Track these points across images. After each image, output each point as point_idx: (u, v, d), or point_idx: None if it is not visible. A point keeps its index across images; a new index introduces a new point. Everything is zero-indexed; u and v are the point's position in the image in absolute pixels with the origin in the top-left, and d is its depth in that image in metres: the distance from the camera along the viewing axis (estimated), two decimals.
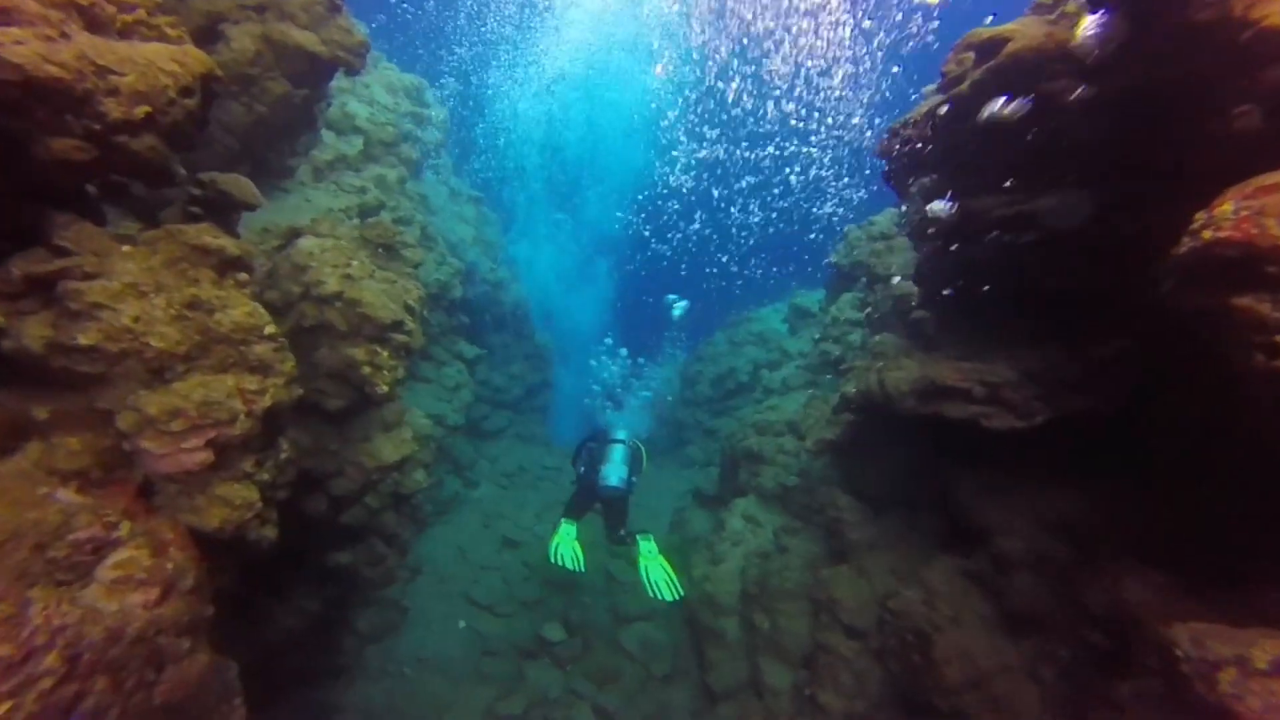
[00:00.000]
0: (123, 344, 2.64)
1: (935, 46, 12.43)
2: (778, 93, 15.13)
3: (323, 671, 7.64)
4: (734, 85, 15.51)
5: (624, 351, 14.02)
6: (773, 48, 14.08)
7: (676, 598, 7.22)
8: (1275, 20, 2.66)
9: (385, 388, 4.90)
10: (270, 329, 3.14)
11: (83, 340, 2.58)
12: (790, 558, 7.81)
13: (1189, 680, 2.68)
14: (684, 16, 15.18)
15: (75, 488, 2.34)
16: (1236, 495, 3.41)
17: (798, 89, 14.75)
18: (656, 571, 7.29)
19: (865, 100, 13.89)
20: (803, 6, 13.22)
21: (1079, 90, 3.51)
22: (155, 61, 2.80)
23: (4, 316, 2.58)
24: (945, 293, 4.99)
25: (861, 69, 13.43)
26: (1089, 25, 3.23)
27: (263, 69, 5.19)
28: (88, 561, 2.09)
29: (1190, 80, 3.12)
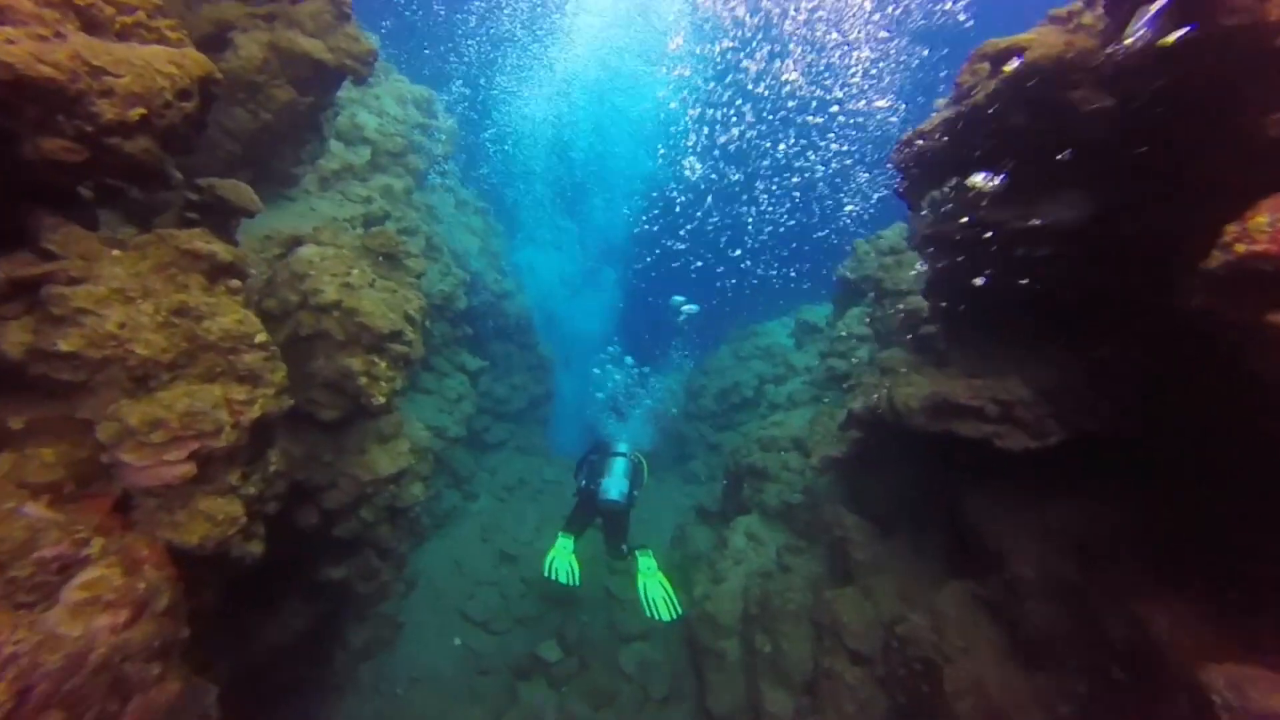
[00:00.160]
0: (106, 351, 2.55)
1: (969, 25, 11.94)
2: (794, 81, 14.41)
3: (313, 688, 7.48)
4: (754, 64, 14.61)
5: (629, 360, 13.81)
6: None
7: (675, 617, 7.07)
8: None
9: (382, 399, 4.80)
10: (261, 337, 3.04)
11: (64, 346, 2.49)
12: (793, 578, 7.63)
13: None
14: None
15: (46, 502, 2.24)
16: (1263, 511, 3.27)
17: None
18: (655, 589, 7.16)
19: (889, 83, 13.13)
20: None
21: (1101, 102, 3.40)
22: (152, 63, 2.74)
23: None
24: (975, 283, 4.85)
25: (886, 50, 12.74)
26: (1137, 27, 3.10)
27: (269, 76, 5.15)
28: (53, 582, 1.98)
29: (1214, 87, 3.01)
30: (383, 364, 4.86)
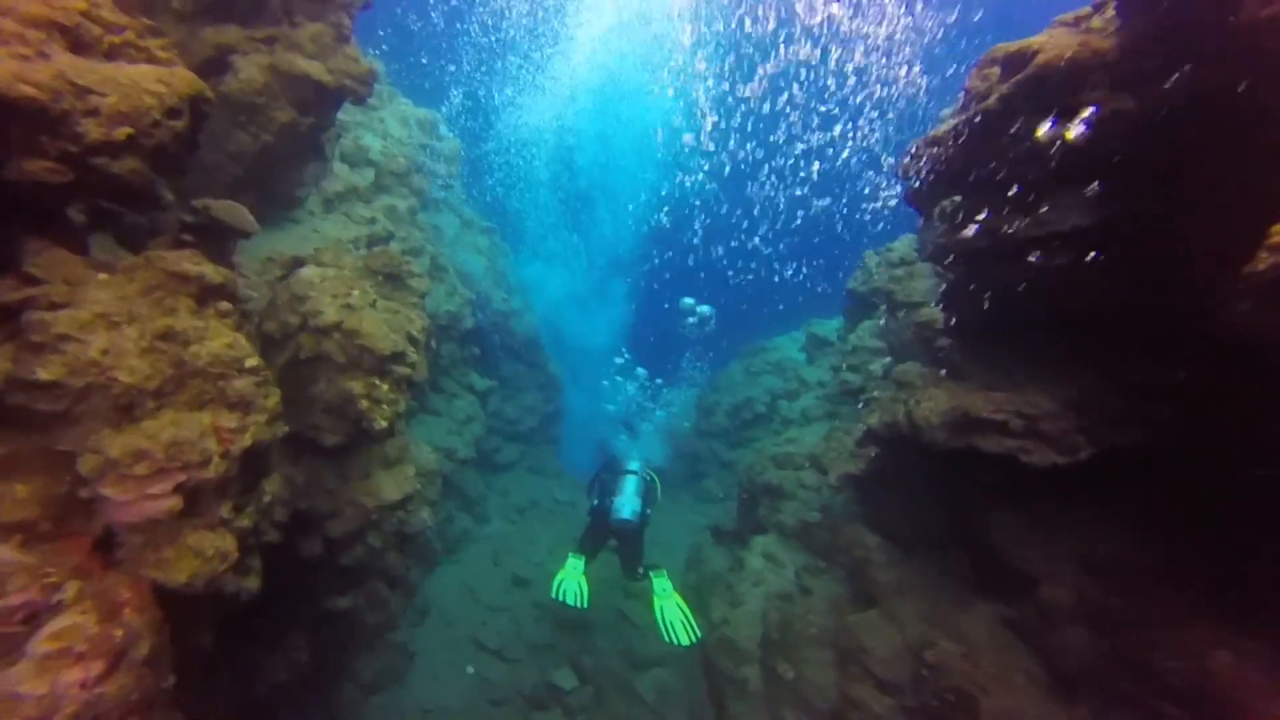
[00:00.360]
0: (88, 378, 2.43)
1: None
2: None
3: None
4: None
5: (641, 371, 13.48)
6: None
7: (694, 641, 6.83)
8: None
9: (384, 422, 4.66)
10: (252, 361, 2.91)
11: (43, 375, 2.36)
12: (814, 600, 7.36)
13: None
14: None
15: (18, 542, 2.10)
16: None
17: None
18: (672, 612, 6.95)
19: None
20: None
21: (1119, 103, 3.23)
22: (140, 82, 2.65)
23: None
24: (986, 296, 4.63)
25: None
26: None
27: (269, 98, 5.11)
28: (17, 634, 1.83)
29: (1240, 88, 2.84)
30: (385, 386, 4.73)
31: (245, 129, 5.14)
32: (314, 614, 6.34)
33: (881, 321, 10.36)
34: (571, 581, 6.95)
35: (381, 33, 14.80)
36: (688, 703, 7.92)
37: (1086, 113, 3.46)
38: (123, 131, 2.55)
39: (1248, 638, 3.00)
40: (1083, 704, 4.01)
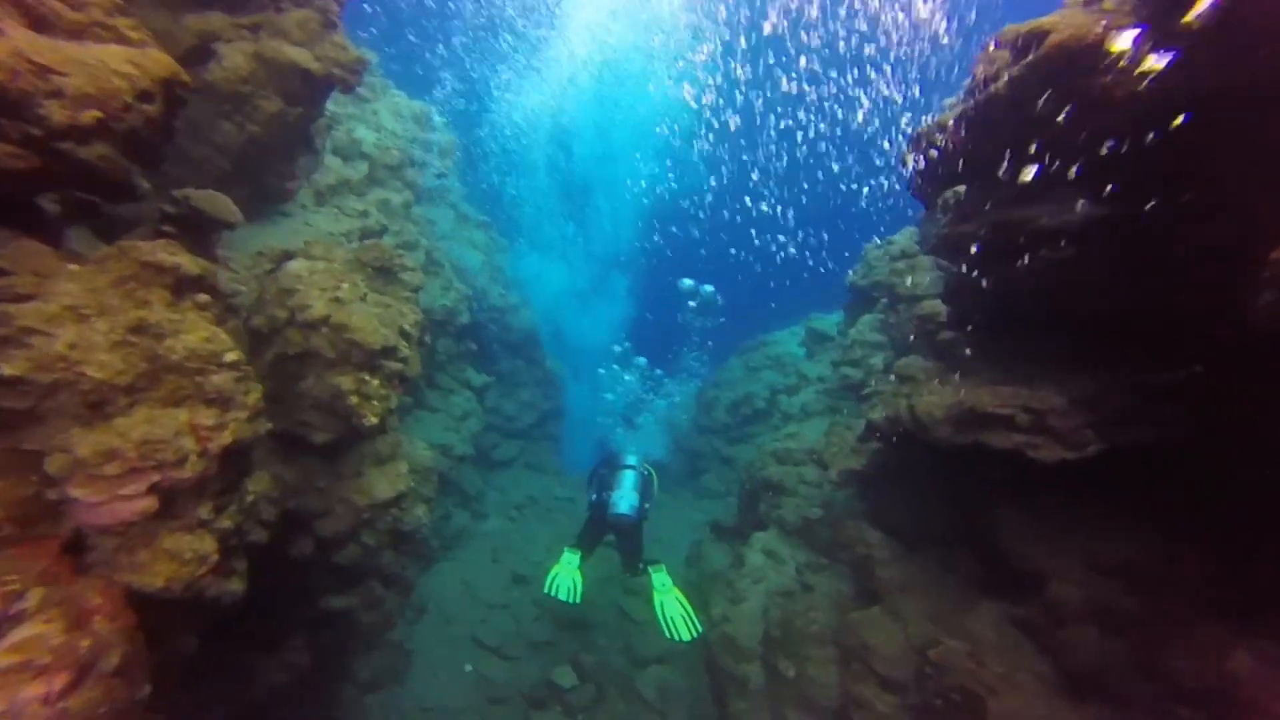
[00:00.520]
0: (55, 374, 2.31)
1: None
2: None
3: None
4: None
5: (642, 360, 13.11)
6: None
7: (695, 635, 6.75)
8: None
9: (374, 419, 4.54)
10: (232, 356, 2.79)
11: (7, 370, 2.25)
12: (815, 597, 7.26)
13: None
14: None
15: None
16: None
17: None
18: (672, 607, 6.87)
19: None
20: None
21: (1134, 85, 3.09)
22: (107, 63, 2.52)
23: None
24: (983, 285, 4.44)
25: None
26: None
27: (255, 87, 4.97)
28: None
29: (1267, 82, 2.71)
30: (375, 382, 4.61)
31: (231, 119, 5.00)
32: (309, 614, 6.24)
33: (882, 315, 10.26)
34: (566, 576, 6.86)
35: (369, 9, 14.32)
36: (689, 701, 7.84)
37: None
38: (90, 115, 2.43)
39: (1262, 638, 2.89)
40: (1092, 705, 3.91)
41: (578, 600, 6.80)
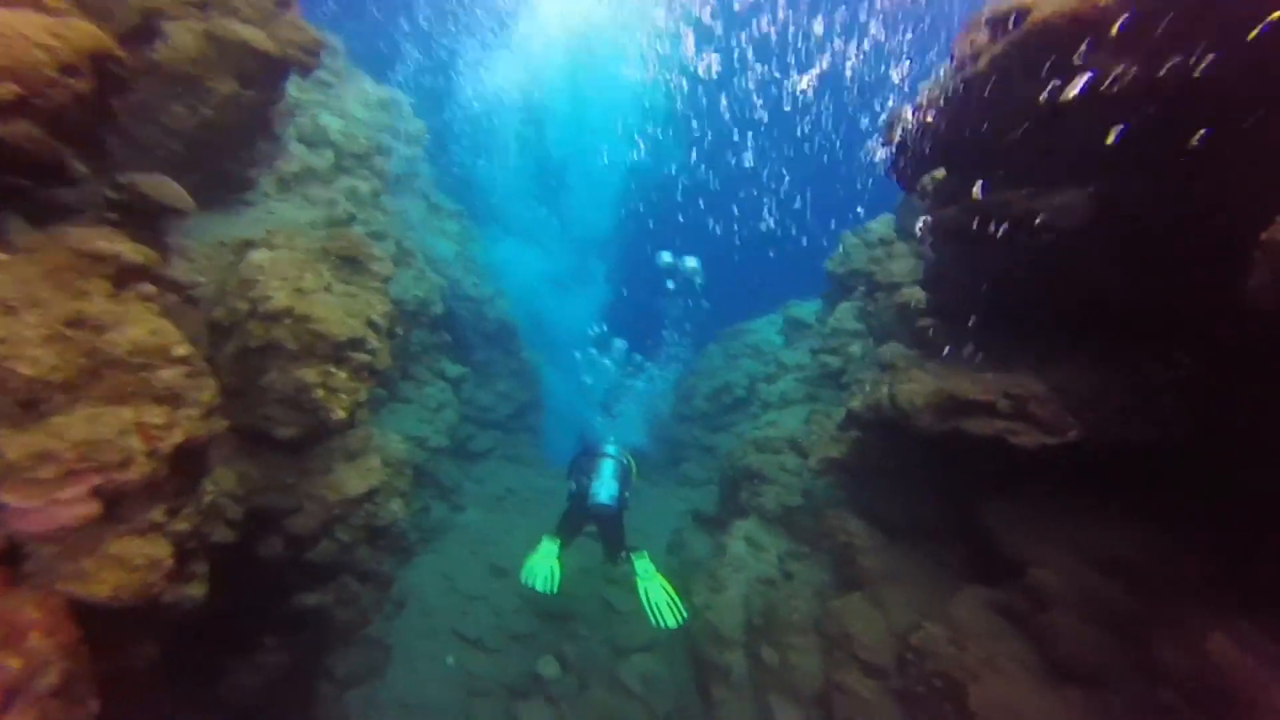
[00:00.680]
0: None
1: None
2: None
3: None
4: None
5: (620, 343, 12.68)
6: None
7: (681, 621, 6.72)
8: None
9: (342, 413, 4.38)
10: (181, 350, 2.62)
11: None
12: (797, 585, 7.27)
13: None
14: None
15: None
16: None
17: None
18: (657, 593, 6.84)
19: None
20: None
21: (1124, 66, 3.03)
22: (23, 32, 2.32)
23: None
24: (972, 274, 4.35)
25: None
26: None
27: (206, 68, 4.72)
28: None
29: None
30: (342, 375, 4.43)
31: (182, 101, 4.75)
32: (282, 613, 6.08)
33: (861, 303, 10.26)
34: (543, 566, 6.77)
35: None
36: (672, 689, 7.83)
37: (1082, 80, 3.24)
38: (8, 90, 2.23)
39: (1248, 627, 2.91)
40: (1074, 691, 3.93)
41: (554, 590, 6.73)
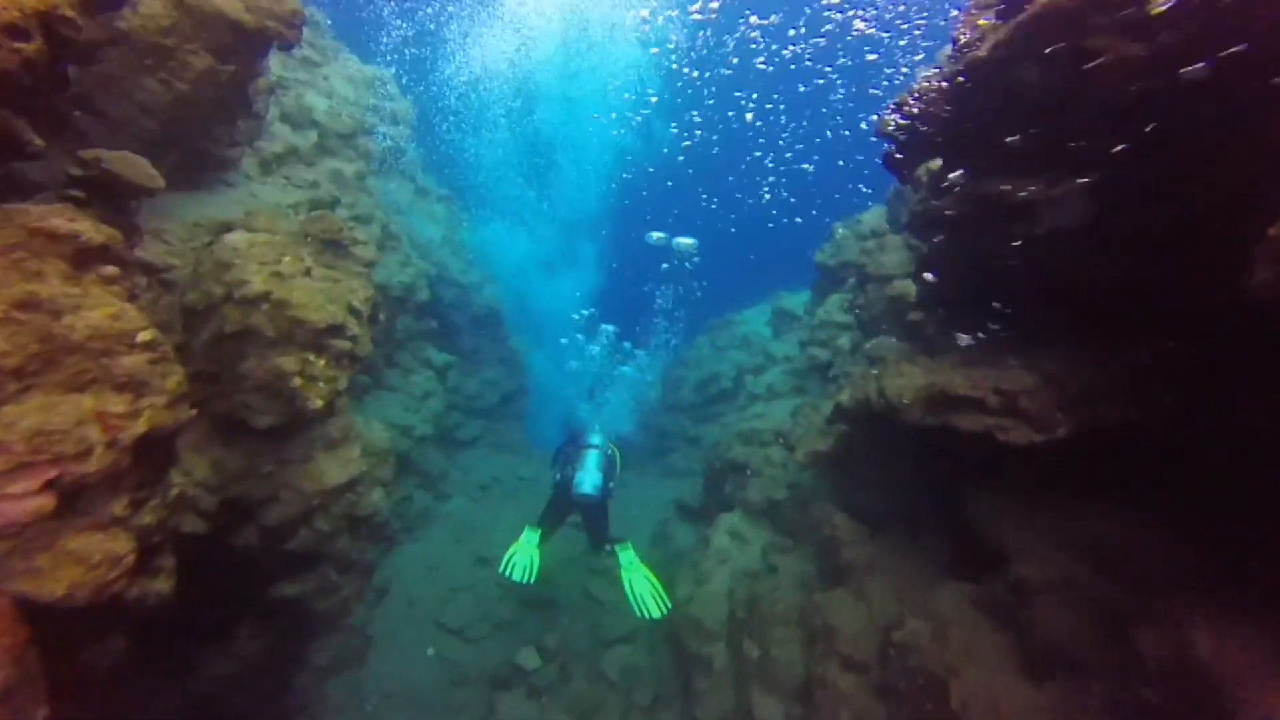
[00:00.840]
0: None
1: None
2: None
3: (274, 713, 6.97)
4: None
5: (610, 328, 12.41)
6: None
7: (665, 611, 6.71)
8: None
9: (320, 402, 4.26)
10: (145, 335, 2.50)
11: None
12: (781, 578, 7.26)
13: None
14: None
15: None
16: None
17: None
18: (641, 584, 6.85)
19: None
20: None
21: (1128, 51, 2.94)
22: None
23: None
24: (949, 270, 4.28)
25: None
26: None
27: (179, 39, 4.53)
28: None
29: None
30: (321, 362, 4.31)
31: (154, 75, 4.56)
32: (259, 603, 5.98)
33: (850, 295, 10.22)
34: (523, 556, 6.75)
35: None
36: (653, 680, 7.83)
37: None
38: None
39: (1231, 619, 2.90)
40: (1056, 683, 3.94)
41: (532, 580, 6.72)
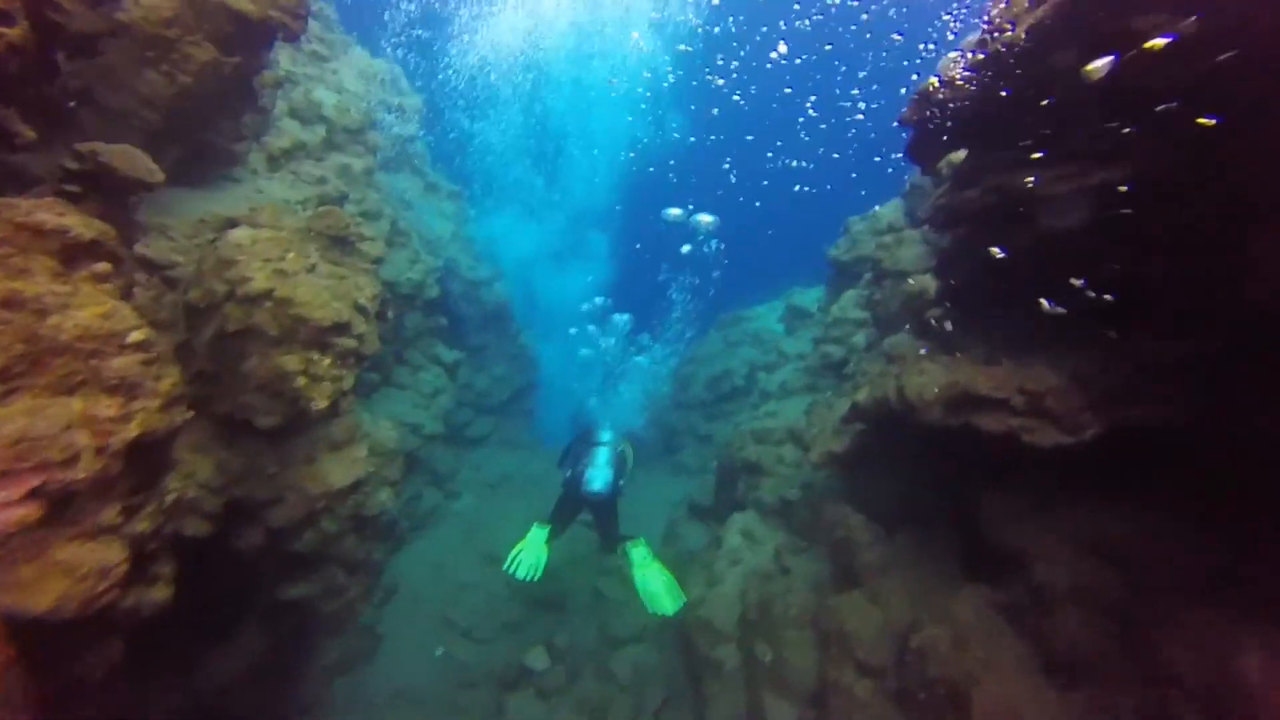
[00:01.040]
0: None
1: None
2: None
3: (281, 712, 6.93)
4: None
5: (624, 318, 11.77)
6: None
7: (680, 605, 6.62)
8: None
9: (324, 403, 4.16)
10: (138, 335, 2.40)
11: None
12: (793, 580, 7.12)
13: None
14: None
15: None
16: None
17: None
18: (654, 580, 6.77)
19: None
20: None
21: (1181, 27, 2.74)
22: None
23: None
24: (995, 254, 4.00)
25: None
26: None
27: (182, 30, 4.44)
28: None
29: None
30: (325, 362, 4.21)
31: (156, 67, 4.46)
32: (264, 605, 5.92)
33: (866, 291, 10.01)
34: (530, 554, 6.67)
35: None
36: (664, 682, 7.72)
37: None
38: None
39: (1269, 631, 2.72)
40: (1079, 692, 3.78)
41: (537, 578, 6.64)
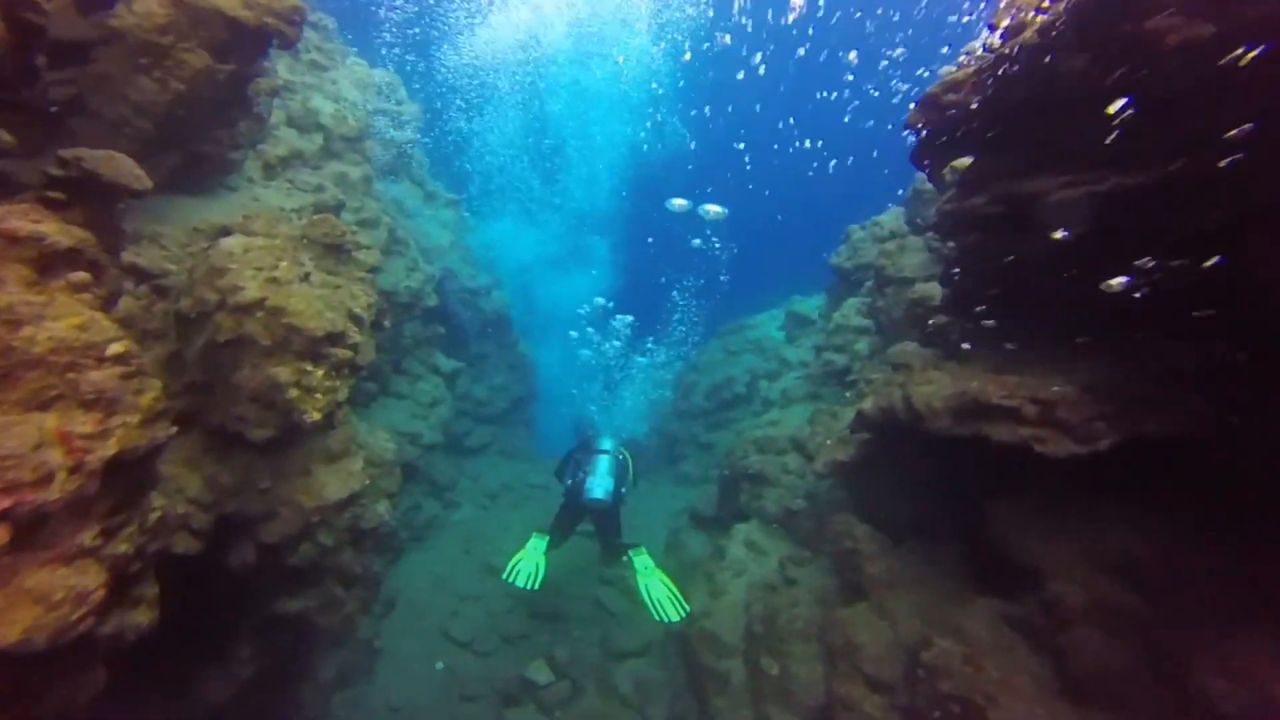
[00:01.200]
0: None
1: None
2: None
3: None
4: None
5: (628, 319, 11.61)
6: None
7: (684, 614, 6.56)
8: None
9: (317, 414, 4.06)
10: (117, 347, 2.30)
11: None
12: (799, 591, 6.99)
13: None
14: None
15: None
16: None
17: None
18: (658, 589, 6.68)
19: None
20: None
21: (1192, 31, 2.67)
22: None
23: None
24: (1008, 260, 3.93)
25: None
26: None
27: (175, 37, 4.37)
28: None
29: None
30: (319, 373, 4.11)
31: (149, 74, 4.39)
32: (259, 621, 5.79)
33: (868, 299, 9.92)
34: (528, 563, 6.59)
35: None
36: (668, 696, 7.58)
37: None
38: None
39: None
40: (1098, 714, 3.65)
41: (536, 587, 6.59)
